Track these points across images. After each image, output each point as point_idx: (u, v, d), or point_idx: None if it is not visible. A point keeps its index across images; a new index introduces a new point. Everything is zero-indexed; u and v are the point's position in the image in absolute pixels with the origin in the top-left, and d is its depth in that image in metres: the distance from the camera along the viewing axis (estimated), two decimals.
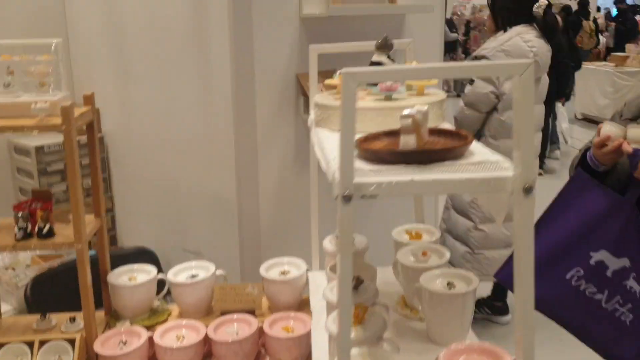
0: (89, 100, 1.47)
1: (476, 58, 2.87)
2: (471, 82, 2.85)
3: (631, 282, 1.70)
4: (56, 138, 2.81)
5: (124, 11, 2.61)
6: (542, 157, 5.61)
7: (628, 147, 1.73)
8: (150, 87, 2.58)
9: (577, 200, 1.86)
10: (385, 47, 1.34)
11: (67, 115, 1.29)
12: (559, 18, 5.80)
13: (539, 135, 3.32)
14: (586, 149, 1.88)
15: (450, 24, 10.99)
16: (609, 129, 1.76)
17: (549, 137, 5.93)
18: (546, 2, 2.89)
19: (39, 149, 2.69)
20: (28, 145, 2.72)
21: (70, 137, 1.30)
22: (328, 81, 1.41)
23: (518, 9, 2.90)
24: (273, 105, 2.36)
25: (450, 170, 0.91)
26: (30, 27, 2.86)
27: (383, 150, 0.99)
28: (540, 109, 3.04)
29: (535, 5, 2.86)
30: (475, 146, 1.03)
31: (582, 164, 1.90)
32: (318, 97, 1.38)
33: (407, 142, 0.98)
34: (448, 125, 1.26)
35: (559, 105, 5.92)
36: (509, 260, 1.89)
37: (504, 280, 1.90)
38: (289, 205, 2.46)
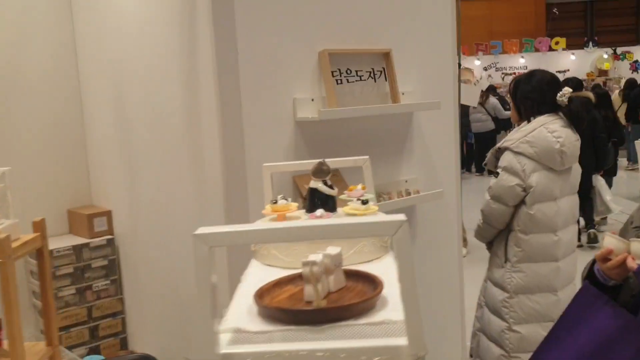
0: (38, 226, 1.46)
1: (500, 150, 2.75)
2: (496, 174, 2.71)
3: None
4: (66, 241, 2.85)
5: (132, 119, 2.68)
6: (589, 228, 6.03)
7: (632, 263, 1.57)
8: (153, 189, 2.60)
9: (587, 318, 1.69)
10: (319, 173, 1.26)
11: (2, 248, 1.26)
12: (591, 96, 5.74)
13: (575, 227, 3.10)
14: (594, 260, 1.72)
15: (502, 100, 10.84)
16: (609, 241, 1.60)
17: (594, 209, 5.84)
18: (570, 90, 2.75)
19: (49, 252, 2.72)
20: None
21: (5, 271, 1.27)
22: (269, 207, 1.33)
23: (541, 98, 2.76)
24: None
25: (342, 336, 0.81)
26: (51, 136, 2.98)
27: (270, 307, 0.89)
28: (574, 200, 2.85)
29: (559, 94, 2.73)
30: (387, 294, 0.92)
31: (591, 277, 1.73)
32: (258, 223, 1.31)
33: (310, 293, 0.89)
34: (378, 262, 1.15)
35: (598, 177, 5.79)
36: None
37: None
38: None
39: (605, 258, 1.62)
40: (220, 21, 2.12)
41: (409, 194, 2.70)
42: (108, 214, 2.93)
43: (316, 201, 1.21)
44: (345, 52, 2.44)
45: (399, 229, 0.71)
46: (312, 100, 2.37)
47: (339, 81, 2.44)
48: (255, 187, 2.23)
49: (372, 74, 2.55)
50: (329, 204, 1.22)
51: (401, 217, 0.72)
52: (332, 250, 0.94)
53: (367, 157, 1.44)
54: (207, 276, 0.74)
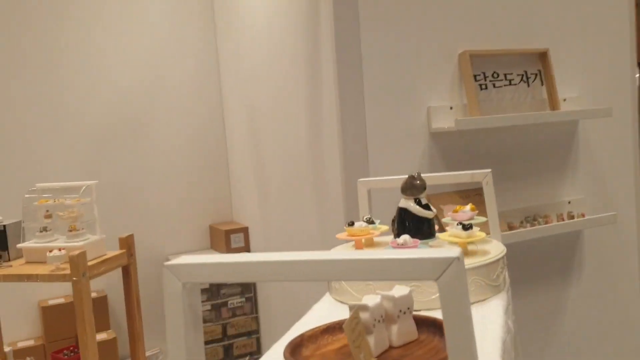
0: (124, 243, 1.38)
1: None
2: None
3: None
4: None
5: (262, 139, 2.61)
6: None
7: None
8: (281, 207, 2.49)
9: None
10: (410, 189, 0.99)
11: (75, 266, 1.19)
12: None
13: None
14: None
15: None
16: None
17: None
18: None
19: None
20: None
21: (79, 289, 1.20)
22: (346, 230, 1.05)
23: None
24: None
25: None
26: (195, 152, 3.02)
27: None
28: None
29: None
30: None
31: None
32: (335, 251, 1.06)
33: (356, 354, 0.65)
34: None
35: None
36: None
37: None
38: None
39: None
40: (342, 19, 1.95)
41: (572, 217, 2.28)
42: (245, 231, 2.88)
43: (407, 224, 0.96)
44: (491, 53, 2.13)
45: (445, 270, 0.45)
46: (451, 108, 2.09)
47: (483, 86, 2.13)
48: (380, 206, 2.01)
49: (524, 78, 2.20)
50: (423, 228, 0.96)
51: (453, 252, 0.46)
52: (399, 291, 0.69)
53: (488, 170, 1.15)
54: (180, 320, 0.55)
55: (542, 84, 2.23)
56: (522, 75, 2.20)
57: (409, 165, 2.05)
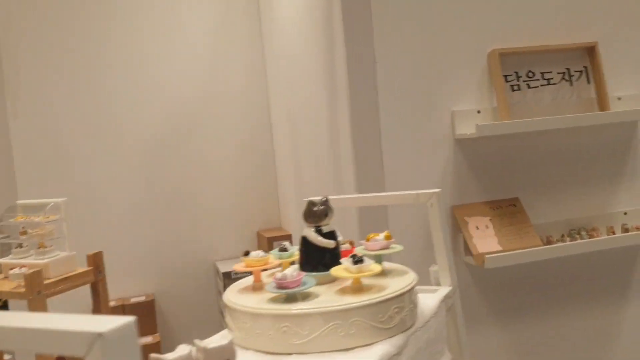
0: (92, 260, 1.37)
1: None
2: None
3: None
4: None
5: (301, 154, 2.56)
6: None
7: None
8: None
9: None
10: (309, 216, 0.88)
11: (29, 284, 1.19)
12: None
13: None
14: None
15: None
16: None
17: None
18: None
19: (226, 274, 2.75)
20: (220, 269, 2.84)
21: (35, 307, 1.20)
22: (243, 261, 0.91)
23: None
24: (421, 246, 1.93)
25: None
26: (245, 159, 3.04)
27: None
28: None
29: None
30: None
31: None
32: (229, 291, 0.92)
33: None
34: None
35: None
36: None
37: None
38: None
39: None
40: (351, 15, 1.85)
41: (626, 230, 2.03)
42: (289, 238, 2.85)
43: (308, 254, 0.87)
44: (525, 51, 1.94)
45: (92, 347, 0.38)
46: (478, 112, 1.93)
47: (516, 87, 1.95)
48: (396, 219, 1.89)
49: (566, 76, 1.99)
50: (325, 258, 0.86)
51: (101, 326, 0.39)
52: (219, 339, 0.60)
53: (436, 190, 1.02)
54: None
55: (589, 82, 2.01)
56: (564, 73, 1.99)
57: (431, 176, 1.92)
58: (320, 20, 2.10)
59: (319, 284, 0.83)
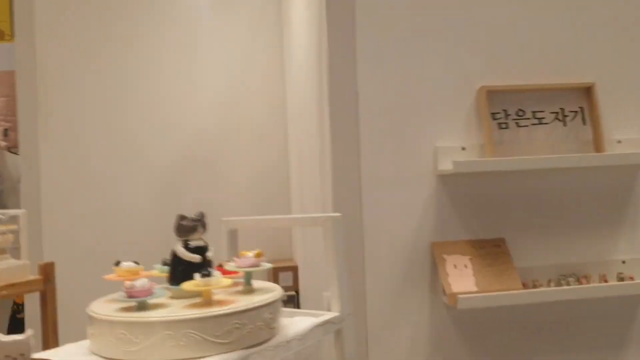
0: (43, 270, 1.44)
1: None
2: None
3: None
4: None
5: (304, 188, 2.59)
6: None
7: None
8: (312, 250, 2.44)
9: None
10: (179, 231, 0.89)
11: None
12: None
13: None
14: None
15: None
16: None
17: None
18: None
19: None
20: None
21: None
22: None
23: None
24: (392, 286, 1.90)
25: None
26: (260, 189, 3.10)
27: None
28: None
29: None
30: None
31: None
32: (99, 300, 0.93)
33: None
34: None
35: None
36: None
37: None
38: None
39: None
40: (337, 48, 1.88)
41: (621, 279, 1.93)
42: (294, 270, 2.86)
43: (176, 268, 0.89)
44: (515, 89, 1.91)
45: None
46: (463, 149, 1.91)
47: (504, 125, 1.91)
48: (374, 257, 1.88)
49: (559, 116, 1.94)
50: (192, 273, 0.88)
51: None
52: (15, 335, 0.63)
53: (334, 215, 1.02)
54: None
55: (585, 124, 1.95)
56: (557, 112, 1.94)
57: (412, 211, 1.90)
58: (316, 54, 2.15)
59: (182, 297, 0.85)
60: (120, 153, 3.04)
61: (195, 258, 0.87)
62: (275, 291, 0.89)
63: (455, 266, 1.86)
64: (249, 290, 0.88)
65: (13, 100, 3.10)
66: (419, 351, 1.90)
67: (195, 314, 0.76)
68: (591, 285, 1.86)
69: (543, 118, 1.93)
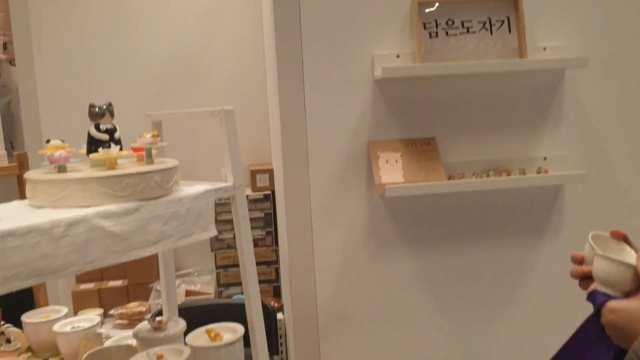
0: (17, 158, 1.73)
1: None
2: None
3: None
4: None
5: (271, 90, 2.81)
6: None
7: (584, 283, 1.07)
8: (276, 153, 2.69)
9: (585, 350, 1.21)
10: (90, 115, 1.14)
11: None
12: None
13: None
14: None
15: None
16: (587, 247, 1.09)
17: None
18: None
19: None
20: None
21: None
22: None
23: None
24: (334, 178, 2.16)
25: None
26: (243, 111, 3.33)
27: None
28: None
29: None
30: None
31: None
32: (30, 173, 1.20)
33: None
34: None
35: None
36: None
37: None
38: (355, 294, 2.20)
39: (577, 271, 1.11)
40: None
41: (538, 173, 2.17)
42: (270, 172, 3.14)
43: (92, 148, 1.15)
44: (446, 0, 2.09)
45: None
46: (397, 56, 2.11)
47: (433, 34, 2.10)
48: (318, 154, 2.13)
49: (487, 25, 2.12)
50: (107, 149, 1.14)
51: None
52: None
53: (229, 107, 1.26)
54: None
55: (510, 32, 2.13)
56: (485, 22, 2.12)
57: (351, 114, 2.13)
58: None
59: (98, 166, 1.11)
60: (111, 57, 3.28)
61: (103, 137, 1.13)
62: (169, 162, 1.15)
63: (387, 161, 2.11)
64: (149, 162, 1.15)
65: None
66: (357, 235, 2.18)
67: (98, 174, 1.03)
68: (505, 177, 2.11)
69: (471, 27, 2.11)
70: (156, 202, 1.08)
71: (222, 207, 3.10)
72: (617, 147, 2.24)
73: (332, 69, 2.10)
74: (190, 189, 1.18)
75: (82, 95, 3.23)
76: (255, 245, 3.16)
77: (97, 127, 1.13)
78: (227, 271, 3.13)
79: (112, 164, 1.08)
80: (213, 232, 1.21)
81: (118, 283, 3.06)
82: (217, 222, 3.03)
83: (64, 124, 3.14)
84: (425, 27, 2.10)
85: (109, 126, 1.14)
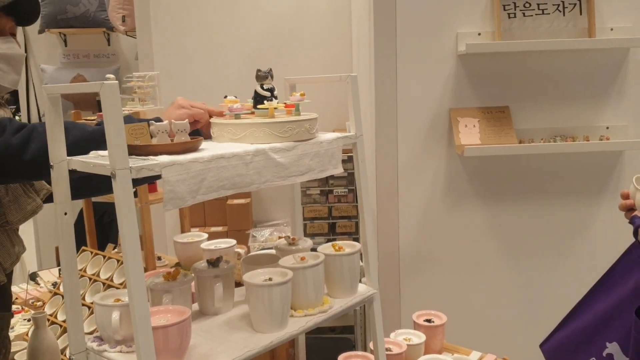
0: None
1: None
2: None
3: None
4: None
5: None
6: None
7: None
8: None
9: (624, 276, 1.55)
10: (257, 78, 1.51)
11: None
12: None
13: None
14: None
15: None
16: (631, 186, 1.43)
17: None
18: None
19: None
20: None
21: None
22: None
23: None
24: (418, 141, 2.51)
25: None
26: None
27: None
28: None
29: None
30: None
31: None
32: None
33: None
34: None
35: None
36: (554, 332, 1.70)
37: (547, 353, 1.70)
38: (434, 243, 2.56)
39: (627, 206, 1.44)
40: None
41: (600, 140, 2.46)
42: None
43: (256, 100, 1.53)
44: None
45: None
46: (479, 34, 2.43)
47: (512, 15, 2.40)
48: (405, 120, 2.48)
49: (560, 7, 2.40)
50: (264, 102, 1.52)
51: None
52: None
53: (352, 74, 1.62)
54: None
55: (581, 14, 2.40)
56: (558, 5, 2.40)
57: (436, 84, 2.47)
58: None
59: (262, 116, 1.50)
60: (216, 38, 3.71)
61: (266, 93, 1.51)
62: (312, 115, 1.54)
63: (466, 126, 2.45)
64: (297, 114, 1.53)
65: None
66: (437, 191, 2.54)
67: (268, 120, 1.42)
68: (570, 142, 2.41)
69: (546, 9, 2.40)
70: (306, 143, 1.47)
71: None
72: None
73: (422, 44, 2.44)
74: (326, 135, 1.57)
75: (190, 65, 3.68)
76: (339, 201, 3.55)
77: (262, 87, 1.52)
78: (313, 222, 3.54)
79: (272, 114, 1.47)
80: (340, 169, 1.59)
81: (219, 229, 3.51)
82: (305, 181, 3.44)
83: (175, 92, 3.60)
84: (504, 9, 2.40)
85: (270, 86, 1.53)
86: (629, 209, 1.40)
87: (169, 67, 3.64)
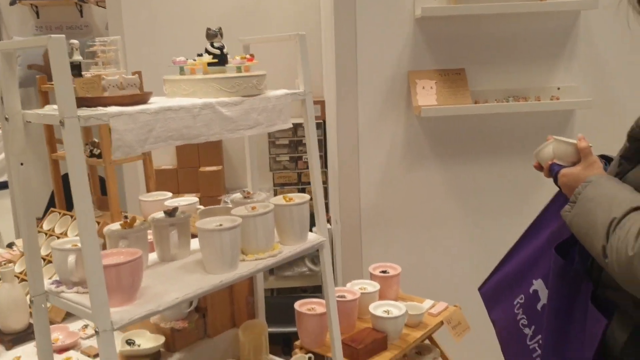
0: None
1: None
2: None
3: None
4: None
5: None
6: None
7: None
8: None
9: (551, 220, 1.66)
10: (207, 37, 1.59)
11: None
12: None
13: None
14: None
15: None
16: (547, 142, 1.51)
17: None
18: None
19: None
20: None
21: None
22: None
23: None
24: (378, 103, 2.60)
25: None
26: None
27: None
28: None
29: None
30: None
31: None
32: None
33: None
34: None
35: None
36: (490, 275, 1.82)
37: (484, 296, 1.82)
38: (393, 202, 2.67)
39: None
40: None
41: (551, 99, 2.56)
42: (322, 103, 3.60)
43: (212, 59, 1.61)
44: None
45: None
46: None
47: None
48: (365, 83, 2.56)
49: None
50: (220, 61, 1.60)
51: None
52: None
53: (302, 33, 1.70)
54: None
55: None
56: None
57: (394, 47, 2.54)
58: None
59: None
60: (185, 4, 3.74)
61: (216, 51, 1.59)
62: (260, 72, 1.62)
63: (423, 87, 2.54)
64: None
65: None
66: (396, 151, 2.63)
67: (217, 76, 1.50)
68: (522, 102, 2.51)
69: None
70: (254, 98, 1.55)
71: (280, 133, 3.58)
72: (622, 79, 2.59)
73: (381, 8, 2.51)
74: (275, 92, 1.65)
75: (160, 33, 3.72)
76: (307, 167, 3.65)
77: (212, 45, 1.60)
78: (283, 188, 3.64)
79: (206, 70, 1.55)
80: (289, 124, 1.67)
81: (192, 195, 3.59)
82: (275, 146, 3.52)
83: (146, 59, 3.65)
84: None
85: (220, 44, 1.61)
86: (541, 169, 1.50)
87: (139, 35, 3.67)
